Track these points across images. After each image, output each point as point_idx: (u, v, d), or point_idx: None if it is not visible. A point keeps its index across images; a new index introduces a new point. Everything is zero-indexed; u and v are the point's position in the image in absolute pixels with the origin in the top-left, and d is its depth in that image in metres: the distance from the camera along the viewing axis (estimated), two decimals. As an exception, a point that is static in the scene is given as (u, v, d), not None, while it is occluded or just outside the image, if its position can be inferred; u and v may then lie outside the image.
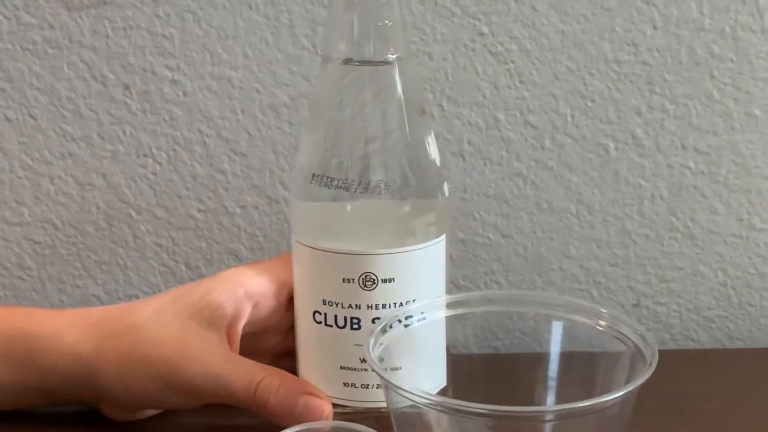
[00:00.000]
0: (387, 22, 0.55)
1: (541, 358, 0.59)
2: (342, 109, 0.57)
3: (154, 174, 0.74)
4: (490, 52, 0.72)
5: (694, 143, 0.73)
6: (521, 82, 0.72)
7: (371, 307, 0.56)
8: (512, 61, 0.72)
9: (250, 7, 0.70)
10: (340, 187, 0.56)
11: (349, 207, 0.57)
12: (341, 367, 0.58)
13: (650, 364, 0.51)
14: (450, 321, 0.59)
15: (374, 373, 0.55)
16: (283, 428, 0.54)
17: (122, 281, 0.76)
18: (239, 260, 0.75)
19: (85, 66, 0.71)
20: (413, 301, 0.57)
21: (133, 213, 0.75)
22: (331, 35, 0.57)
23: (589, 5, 0.71)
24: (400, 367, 0.57)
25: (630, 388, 0.49)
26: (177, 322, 0.59)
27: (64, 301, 0.77)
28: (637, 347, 0.53)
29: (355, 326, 0.56)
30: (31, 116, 0.73)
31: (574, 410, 0.48)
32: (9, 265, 0.76)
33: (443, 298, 0.58)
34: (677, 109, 0.73)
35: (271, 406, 0.57)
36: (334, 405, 0.59)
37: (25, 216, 0.74)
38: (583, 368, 0.57)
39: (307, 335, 0.59)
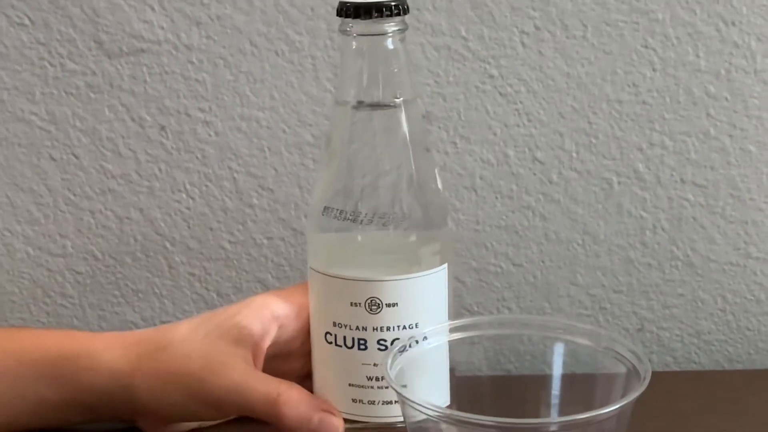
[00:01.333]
0: (394, 68, 0.57)
1: (544, 379, 0.58)
2: (351, 147, 0.57)
3: (188, 208, 0.74)
4: (500, 93, 0.72)
5: (693, 177, 0.74)
6: (529, 120, 0.73)
7: (376, 329, 0.57)
8: (521, 102, 0.72)
9: (277, 54, 0.71)
10: (348, 219, 0.57)
11: (357, 237, 0.58)
12: (350, 384, 0.58)
13: (644, 380, 0.51)
14: (459, 343, 0.58)
15: (380, 390, 0.57)
16: None
17: (158, 308, 0.76)
18: (266, 288, 0.75)
19: (124, 108, 0.72)
20: (416, 325, 0.57)
21: (168, 245, 0.75)
22: (342, 81, 0.58)
23: (592, 49, 0.71)
24: (406, 385, 0.56)
25: (625, 401, 0.49)
26: (206, 341, 0.60)
27: (104, 327, 0.77)
28: (633, 365, 0.53)
29: (362, 347, 0.57)
30: (74, 155, 0.74)
31: (574, 422, 0.49)
32: (52, 294, 0.76)
33: (454, 322, 0.59)
34: (676, 145, 0.73)
35: (290, 420, 0.57)
36: (345, 420, 0.59)
37: (68, 248, 0.75)
38: (584, 387, 0.56)
39: (320, 354, 0.60)
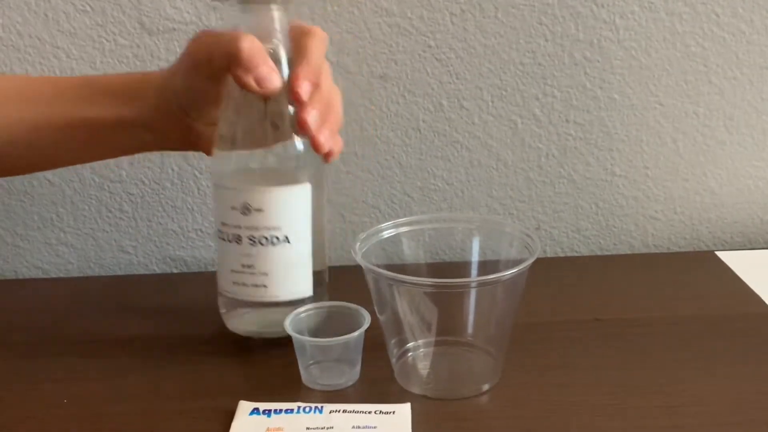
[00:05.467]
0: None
1: (469, 259, 0.57)
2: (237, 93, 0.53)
3: None
4: (436, 59, 0.72)
5: (574, 118, 0.74)
6: (457, 78, 0.73)
7: (248, 228, 0.54)
8: (451, 65, 0.72)
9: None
10: (232, 141, 0.54)
11: (235, 156, 0.54)
12: (231, 270, 0.55)
13: (535, 252, 0.52)
14: (407, 234, 0.57)
15: (251, 275, 0.54)
16: (244, 86, 0.49)
17: (190, 220, 0.75)
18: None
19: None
20: (280, 228, 0.53)
21: (196, 173, 0.73)
22: None
23: (501, 26, 0.71)
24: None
25: (523, 266, 0.50)
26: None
27: (151, 234, 0.75)
28: (529, 245, 0.53)
29: (238, 242, 0.54)
30: None
31: (488, 280, 0.50)
32: (113, 210, 0.75)
33: (405, 219, 0.57)
34: (562, 95, 0.74)
35: (244, 55, 0.49)
36: (227, 297, 0.56)
37: (123, 176, 0.74)
38: (495, 265, 0.54)
39: (217, 247, 0.57)
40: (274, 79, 0.51)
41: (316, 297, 0.57)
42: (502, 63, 0.73)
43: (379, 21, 0.71)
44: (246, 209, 0.54)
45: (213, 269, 0.67)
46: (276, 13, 0.53)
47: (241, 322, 0.58)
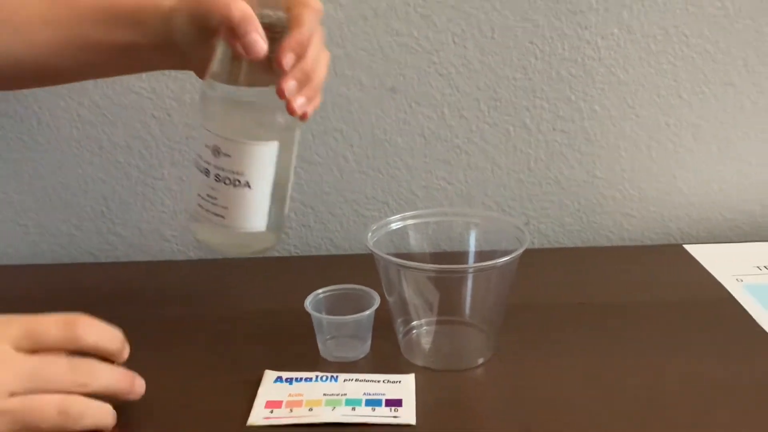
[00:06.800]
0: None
1: (467, 249, 0.57)
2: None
3: None
4: (439, 74, 0.72)
5: (561, 127, 0.74)
6: (458, 91, 0.72)
7: (215, 166, 0.52)
8: (452, 79, 0.72)
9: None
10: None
11: (221, 109, 0.52)
12: (198, 195, 0.54)
13: (525, 243, 0.52)
14: (412, 227, 0.57)
15: (213, 205, 0.52)
16: (232, 49, 0.48)
17: None
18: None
19: (199, 83, 0.70)
20: (242, 173, 0.52)
21: None
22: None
23: (497, 45, 0.71)
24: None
25: (514, 255, 0.50)
26: None
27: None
28: (519, 237, 0.53)
29: (207, 175, 0.52)
30: (168, 114, 0.71)
31: (483, 267, 0.51)
32: (156, 203, 0.75)
33: (409, 213, 0.56)
34: (550, 106, 0.73)
35: (235, 21, 0.48)
36: (190, 213, 0.55)
37: (165, 175, 0.73)
38: (493, 254, 0.52)
39: (191, 173, 0.55)
40: (260, 47, 0.49)
41: (268, 233, 0.55)
42: (497, 78, 0.73)
43: (389, 40, 0.71)
44: (216, 151, 0.52)
45: (240, 258, 0.68)
46: None
47: (200, 232, 0.56)
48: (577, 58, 0.72)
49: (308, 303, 0.55)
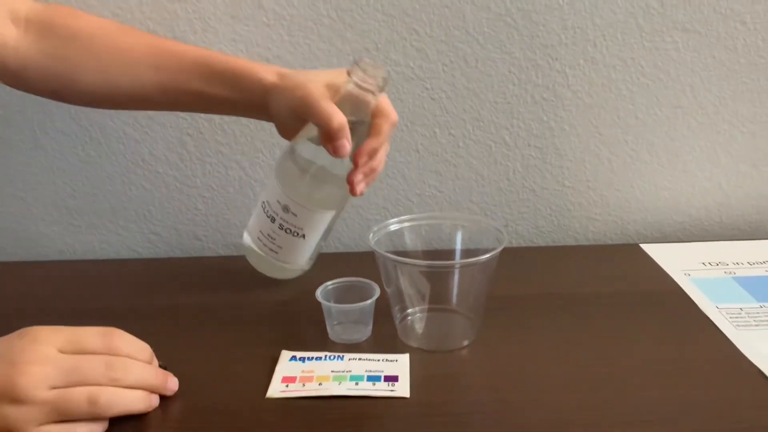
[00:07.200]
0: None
1: (454, 247, 0.57)
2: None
3: (266, 162, 0.74)
4: (431, 98, 0.71)
5: (534, 142, 0.73)
6: (447, 112, 0.72)
7: (282, 219, 0.55)
8: (442, 102, 0.71)
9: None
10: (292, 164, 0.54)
11: (298, 175, 0.54)
12: (260, 230, 0.57)
13: (503, 242, 0.51)
14: (408, 228, 0.57)
15: (271, 243, 0.56)
16: (325, 147, 0.50)
17: (247, 216, 0.73)
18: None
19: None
20: (302, 228, 0.55)
21: (254, 183, 0.72)
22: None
23: (480, 74, 0.70)
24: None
25: (494, 253, 0.50)
26: (323, 80, 0.52)
27: (219, 228, 0.74)
28: (498, 237, 0.53)
29: (272, 220, 0.56)
30: (200, 132, 0.71)
31: (468, 263, 0.51)
32: (191, 208, 0.74)
33: (406, 216, 0.56)
34: (525, 125, 0.73)
35: (332, 132, 0.50)
36: (250, 243, 0.58)
37: (198, 183, 0.72)
38: (477, 252, 0.52)
39: (258, 209, 0.58)
40: (346, 151, 0.52)
41: (304, 266, 0.60)
42: (480, 101, 0.72)
43: (388, 69, 0.71)
44: (286, 209, 0.56)
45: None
46: (371, 98, 0.53)
47: (253, 256, 0.60)
48: (549, 85, 0.72)
49: (319, 293, 0.55)
